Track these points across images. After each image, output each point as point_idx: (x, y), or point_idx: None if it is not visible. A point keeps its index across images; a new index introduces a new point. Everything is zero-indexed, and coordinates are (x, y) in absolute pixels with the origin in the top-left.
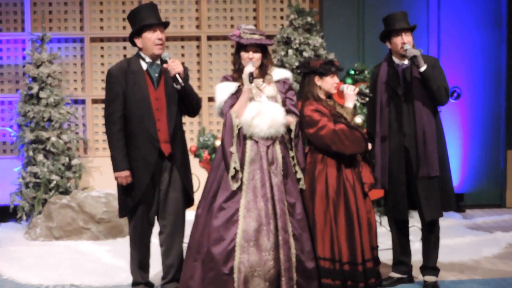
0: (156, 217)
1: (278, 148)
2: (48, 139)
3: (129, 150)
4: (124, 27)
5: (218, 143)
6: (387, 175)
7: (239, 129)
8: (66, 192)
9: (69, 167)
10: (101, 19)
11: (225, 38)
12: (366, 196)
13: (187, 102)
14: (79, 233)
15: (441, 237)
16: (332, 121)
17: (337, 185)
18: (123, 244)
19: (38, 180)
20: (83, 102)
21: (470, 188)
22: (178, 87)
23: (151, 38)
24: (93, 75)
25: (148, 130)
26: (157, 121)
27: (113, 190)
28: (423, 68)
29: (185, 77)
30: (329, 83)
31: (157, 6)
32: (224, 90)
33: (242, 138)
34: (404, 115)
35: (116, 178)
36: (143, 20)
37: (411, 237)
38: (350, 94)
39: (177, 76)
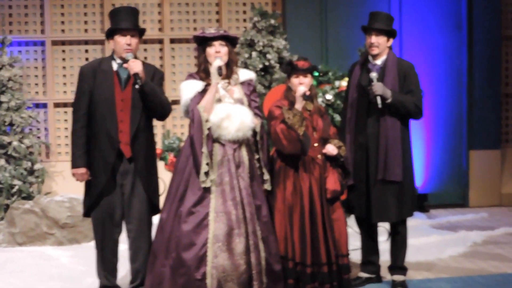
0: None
1: (244, 150)
2: (10, 143)
3: (90, 148)
4: (86, 30)
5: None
6: (352, 173)
7: (208, 129)
8: (29, 197)
9: (31, 172)
10: (62, 22)
11: (188, 41)
12: (331, 202)
13: (149, 104)
14: (43, 239)
15: (407, 237)
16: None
17: (293, 187)
18: (89, 250)
19: (0, 186)
20: (44, 106)
21: (433, 188)
22: (136, 86)
23: (120, 42)
24: (54, 78)
25: (109, 130)
26: (119, 122)
27: (77, 195)
28: (389, 100)
29: (159, 80)
30: (293, 83)
31: (137, 10)
32: (190, 87)
33: (211, 139)
34: (370, 116)
35: (73, 175)
36: (116, 23)
37: (380, 238)
38: (296, 96)
39: (136, 76)
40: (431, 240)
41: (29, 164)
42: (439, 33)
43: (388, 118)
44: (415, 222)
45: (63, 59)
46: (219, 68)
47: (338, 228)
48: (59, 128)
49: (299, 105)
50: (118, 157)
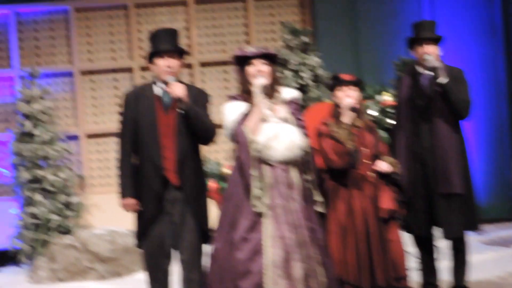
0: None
1: (294, 171)
2: (45, 177)
3: (138, 178)
4: (113, 58)
5: (225, 170)
6: (408, 189)
7: (256, 151)
8: (67, 231)
9: (67, 205)
10: (90, 51)
11: (217, 64)
12: (386, 221)
13: (193, 128)
14: (84, 273)
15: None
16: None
17: (345, 207)
18: (131, 283)
19: (37, 221)
20: (76, 137)
21: (479, 203)
22: (180, 111)
23: (160, 64)
24: (85, 109)
25: (152, 157)
26: (163, 148)
27: (117, 227)
28: (443, 80)
29: (203, 102)
30: (338, 96)
31: (176, 31)
32: (233, 109)
33: (260, 161)
34: (423, 128)
35: (123, 206)
36: (155, 46)
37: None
38: (343, 109)
39: (179, 100)
40: (486, 257)
41: (66, 197)
42: (474, 40)
43: (443, 128)
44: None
45: (92, 89)
46: (263, 87)
47: (395, 249)
48: (92, 160)
49: (346, 118)
50: (165, 185)
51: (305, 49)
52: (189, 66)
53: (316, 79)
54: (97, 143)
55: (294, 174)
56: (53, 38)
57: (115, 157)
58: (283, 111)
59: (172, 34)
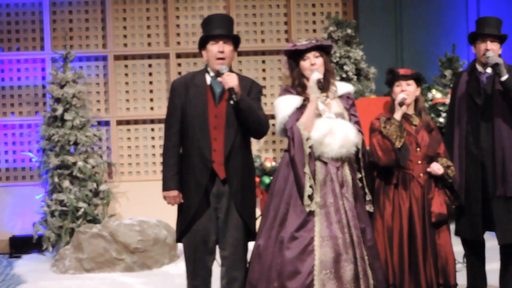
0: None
1: (347, 169)
2: (75, 163)
3: (183, 169)
4: (149, 44)
5: (268, 164)
6: (463, 191)
7: (310, 147)
8: (94, 220)
9: (96, 193)
10: (125, 36)
11: (256, 53)
12: (436, 226)
13: (245, 121)
14: (112, 265)
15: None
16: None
17: (392, 207)
18: (161, 276)
19: (64, 208)
20: (107, 123)
21: None
22: (231, 102)
23: (212, 50)
24: (117, 95)
25: (202, 149)
26: (213, 140)
27: (147, 217)
28: (504, 77)
29: (256, 94)
30: (395, 92)
31: (231, 18)
32: (287, 103)
33: (313, 158)
34: (482, 128)
35: (164, 198)
36: (208, 30)
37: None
38: (395, 105)
39: (231, 91)
40: None
41: (94, 185)
42: None
43: (503, 128)
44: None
45: (126, 74)
46: (319, 82)
47: (444, 255)
48: (122, 147)
49: (397, 114)
50: (212, 178)
51: (349, 41)
52: None
53: (359, 72)
54: (127, 130)
55: (347, 172)
56: (87, 21)
57: (148, 144)
58: (337, 106)
59: (227, 20)
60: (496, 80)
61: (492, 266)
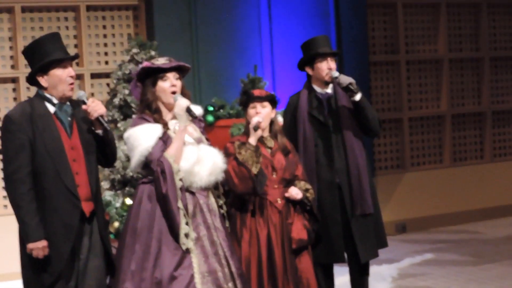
0: None
1: (212, 197)
2: None
3: (43, 213)
4: None
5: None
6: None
7: (180, 180)
8: None
9: None
10: None
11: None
12: (297, 252)
13: (109, 150)
14: None
15: None
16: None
17: (249, 236)
18: None
19: None
20: None
21: None
22: (100, 132)
23: (61, 75)
24: None
25: (66, 186)
26: (75, 175)
27: None
28: (358, 96)
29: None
30: (250, 114)
31: (60, 35)
32: (148, 133)
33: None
34: (334, 148)
35: (31, 251)
36: (49, 54)
37: None
38: (250, 128)
39: (100, 118)
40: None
41: None
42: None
43: (355, 146)
44: None
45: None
46: (187, 108)
47: (306, 281)
48: None
49: (252, 138)
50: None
51: None
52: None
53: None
54: None
55: (213, 200)
56: None
57: None
58: (194, 130)
59: (59, 39)
60: (339, 98)
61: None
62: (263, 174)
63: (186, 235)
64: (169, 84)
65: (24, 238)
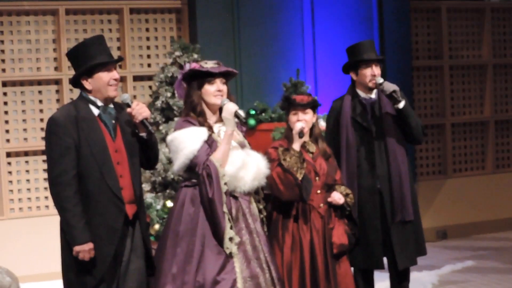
0: None
1: (254, 202)
2: None
3: (88, 216)
4: None
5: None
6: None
7: (225, 184)
8: None
9: None
10: None
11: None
12: (337, 257)
13: (152, 153)
14: None
15: None
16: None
17: (291, 241)
18: None
19: None
20: None
21: None
22: (144, 135)
23: (105, 78)
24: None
25: (111, 189)
26: (119, 178)
27: None
28: (402, 104)
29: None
30: (291, 121)
31: (104, 38)
32: (193, 136)
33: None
34: (376, 154)
35: (77, 253)
36: (94, 57)
37: None
38: (293, 135)
39: (145, 121)
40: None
41: None
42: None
43: (398, 153)
44: None
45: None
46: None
47: (346, 286)
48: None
49: (296, 144)
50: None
51: None
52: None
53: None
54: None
55: (254, 205)
56: None
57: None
58: (238, 134)
59: (104, 42)
60: (382, 104)
61: None
62: (308, 180)
63: (231, 239)
64: (215, 88)
65: (70, 241)
